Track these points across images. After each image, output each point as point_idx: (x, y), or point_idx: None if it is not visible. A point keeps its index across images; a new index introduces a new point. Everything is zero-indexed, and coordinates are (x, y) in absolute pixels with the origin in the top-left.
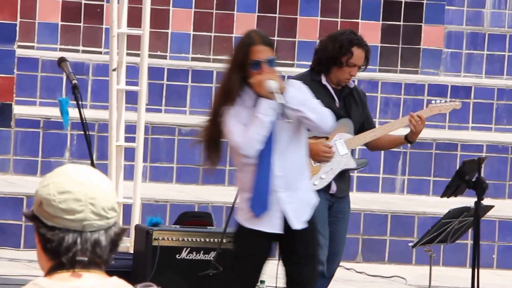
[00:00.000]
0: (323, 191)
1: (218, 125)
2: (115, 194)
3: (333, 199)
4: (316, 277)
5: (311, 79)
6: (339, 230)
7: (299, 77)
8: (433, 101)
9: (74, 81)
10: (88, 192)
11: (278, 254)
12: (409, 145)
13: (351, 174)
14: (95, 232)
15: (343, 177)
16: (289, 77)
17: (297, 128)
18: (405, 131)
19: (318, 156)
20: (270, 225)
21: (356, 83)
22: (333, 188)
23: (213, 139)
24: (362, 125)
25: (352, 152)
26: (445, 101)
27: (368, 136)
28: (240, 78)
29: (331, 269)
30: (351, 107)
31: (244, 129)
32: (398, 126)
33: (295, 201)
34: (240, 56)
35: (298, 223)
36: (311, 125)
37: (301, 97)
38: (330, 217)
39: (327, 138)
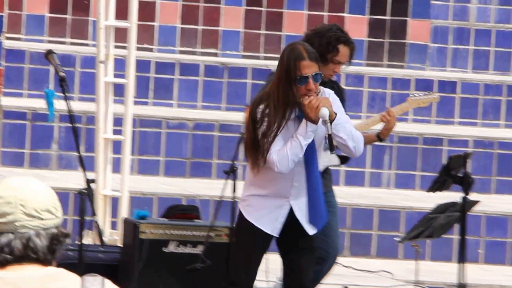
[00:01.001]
0: None
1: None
2: (55, 198)
3: None
4: (313, 269)
5: None
6: (332, 224)
7: None
8: (411, 95)
9: (62, 74)
10: (18, 195)
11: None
12: (395, 139)
13: (337, 168)
14: (28, 231)
15: (325, 173)
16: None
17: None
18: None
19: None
20: (271, 228)
21: (342, 77)
22: None
23: (255, 145)
24: None
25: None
26: (424, 94)
27: (368, 135)
28: (288, 91)
29: (329, 263)
30: None
31: (281, 143)
32: (372, 124)
33: (304, 207)
34: (287, 69)
35: (311, 229)
36: (345, 151)
37: (343, 123)
38: None
39: None
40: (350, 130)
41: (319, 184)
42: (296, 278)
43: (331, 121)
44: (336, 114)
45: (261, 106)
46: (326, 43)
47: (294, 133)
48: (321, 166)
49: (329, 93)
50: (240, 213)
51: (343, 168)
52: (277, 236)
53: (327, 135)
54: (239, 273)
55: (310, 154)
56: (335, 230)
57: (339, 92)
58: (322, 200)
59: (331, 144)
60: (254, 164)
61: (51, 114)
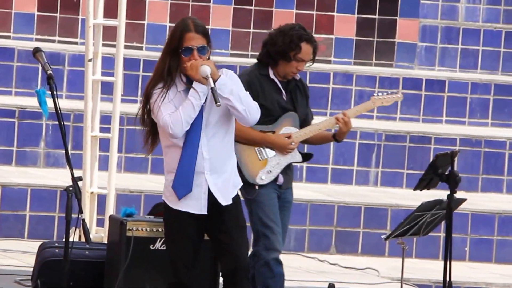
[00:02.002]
0: (272, 182)
1: (151, 106)
2: None
3: (281, 190)
4: (248, 247)
5: (259, 73)
6: (283, 219)
7: (248, 72)
8: (375, 94)
9: (49, 72)
10: None
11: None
12: (383, 137)
13: (325, 166)
14: None
15: (287, 169)
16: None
17: (227, 115)
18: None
19: (284, 150)
20: (196, 206)
21: (331, 75)
22: (280, 179)
23: (147, 121)
24: (306, 116)
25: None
26: (387, 93)
27: (313, 130)
28: (173, 62)
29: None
30: (297, 100)
31: (174, 110)
32: (327, 126)
33: (219, 183)
34: (174, 41)
35: (225, 200)
36: (237, 115)
37: (231, 86)
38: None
39: (273, 132)
40: (239, 94)
41: (195, 148)
42: (230, 259)
43: (215, 80)
44: (220, 75)
45: (152, 81)
46: (289, 41)
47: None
48: (285, 163)
49: (226, 71)
50: (165, 205)
51: (330, 166)
52: (205, 213)
53: (209, 89)
54: (179, 268)
55: (194, 122)
56: (284, 225)
57: (303, 90)
58: (193, 167)
59: (214, 96)
60: (153, 141)
61: (46, 111)
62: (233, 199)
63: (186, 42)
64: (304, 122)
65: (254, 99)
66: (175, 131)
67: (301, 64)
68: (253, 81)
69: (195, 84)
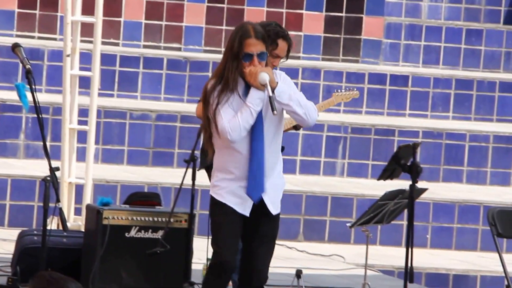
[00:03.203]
0: None
1: (210, 108)
2: None
3: None
4: (271, 258)
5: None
6: None
7: None
8: (336, 90)
9: (28, 66)
10: None
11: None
12: (349, 130)
13: (294, 158)
14: None
15: None
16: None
17: (280, 121)
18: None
19: None
20: (241, 206)
21: (300, 71)
22: None
23: (207, 124)
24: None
25: None
26: (345, 90)
27: (286, 123)
28: (233, 66)
29: None
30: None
31: (233, 115)
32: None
33: (270, 187)
34: (235, 46)
35: (275, 209)
36: (298, 119)
37: (289, 92)
38: None
39: None
40: (297, 98)
41: (262, 155)
42: (251, 266)
43: (273, 87)
44: (277, 82)
45: (212, 82)
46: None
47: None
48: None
49: (280, 73)
50: (212, 199)
51: (299, 157)
52: (247, 215)
53: (268, 97)
54: (224, 251)
55: (256, 126)
56: None
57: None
58: (262, 172)
59: (272, 105)
60: (210, 142)
61: (26, 104)
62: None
63: (246, 48)
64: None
65: None
66: (233, 137)
67: (276, 60)
68: None
69: (253, 91)
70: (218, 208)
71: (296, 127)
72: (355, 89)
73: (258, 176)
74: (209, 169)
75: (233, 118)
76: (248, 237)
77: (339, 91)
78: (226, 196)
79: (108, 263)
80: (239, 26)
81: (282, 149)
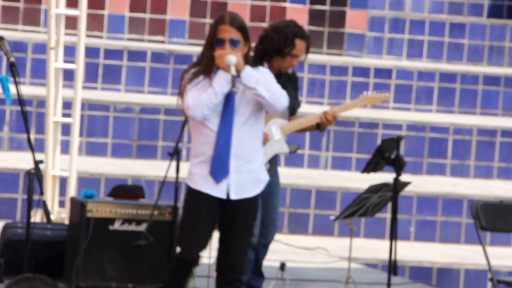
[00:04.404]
0: None
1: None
2: None
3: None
4: (248, 249)
5: (252, 66)
6: (272, 203)
7: None
8: (364, 92)
9: (12, 59)
10: None
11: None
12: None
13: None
14: None
15: (272, 159)
16: None
17: (257, 107)
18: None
19: None
20: (217, 189)
21: None
22: (266, 167)
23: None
24: (294, 106)
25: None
26: (376, 92)
27: (302, 123)
28: (209, 52)
29: (269, 237)
30: (288, 92)
31: (199, 94)
32: (311, 122)
33: (242, 172)
34: (210, 33)
35: (236, 194)
36: (264, 103)
37: (258, 76)
38: (264, 194)
39: None
40: (265, 82)
41: (229, 134)
42: (227, 259)
43: (240, 70)
44: (245, 65)
45: (192, 70)
46: (284, 38)
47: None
48: (272, 153)
49: (263, 68)
50: (187, 188)
51: None
52: (224, 197)
53: (231, 76)
54: (191, 247)
55: (227, 108)
56: (275, 207)
57: (294, 82)
58: (228, 152)
59: (233, 83)
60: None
61: (9, 97)
62: (251, 197)
63: (219, 33)
64: (293, 111)
65: None
66: (195, 113)
67: (294, 59)
68: None
69: (220, 72)
70: (192, 200)
71: (319, 126)
72: (385, 91)
73: (223, 155)
74: None
75: (198, 96)
76: (223, 228)
77: (368, 92)
78: (199, 181)
79: (92, 255)
80: (219, 15)
81: (297, 147)
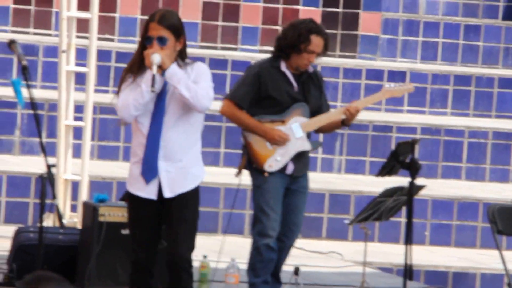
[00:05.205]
0: (280, 173)
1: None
2: None
3: (291, 179)
4: (192, 242)
5: (270, 66)
6: (296, 203)
7: (259, 64)
8: (386, 85)
9: (24, 62)
10: None
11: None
12: (346, 127)
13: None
14: None
15: (301, 157)
16: (234, 61)
17: (188, 108)
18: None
19: (274, 140)
20: (147, 191)
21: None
22: (289, 169)
23: None
24: (319, 108)
25: (309, 134)
26: (399, 85)
27: (323, 119)
28: (140, 51)
29: (292, 239)
30: (310, 91)
31: (128, 95)
32: (336, 115)
33: (171, 171)
34: (142, 31)
35: (170, 192)
36: (186, 102)
37: (181, 76)
38: (289, 194)
39: (283, 121)
40: (188, 83)
41: (158, 136)
42: (169, 251)
43: (164, 69)
44: (171, 66)
45: (125, 69)
46: (298, 34)
47: None
48: (293, 151)
49: (198, 65)
50: (126, 190)
51: None
52: (154, 198)
53: (152, 75)
54: (135, 249)
55: (157, 109)
56: (299, 210)
57: (317, 81)
58: (156, 153)
59: (152, 82)
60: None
61: (21, 100)
62: (186, 192)
63: (149, 31)
64: (318, 113)
65: (263, 90)
66: (123, 114)
67: (312, 56)
68: (262, 73)
69: (149, 72)
70: (130, 202)
71: (344, 123)
72: (410, 83)
73: (151, 157)
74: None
75: (126, 97)
76: (165, 223)
77: (390, 85)
78: (132, 182)
79: (104, 260)
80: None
81: (319, 144)
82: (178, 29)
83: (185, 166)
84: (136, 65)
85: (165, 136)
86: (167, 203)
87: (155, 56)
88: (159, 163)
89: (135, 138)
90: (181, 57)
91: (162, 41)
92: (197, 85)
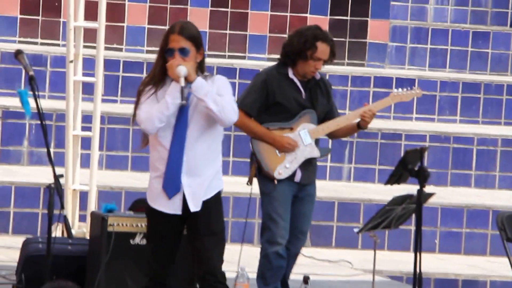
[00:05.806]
0: (288, 180)
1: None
2: None
3: (299, 186)
4: (221, 253)
5: (277, 72)
6: (304, 211)
7: (266, 71)
8: (394, 90)
9: (31, 73)
10: None
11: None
12: (355, 134)
13: None
14: None
15: (309, 165)
16: (242, 69)
17: (210, 121)
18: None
19: (283, 147)
20: (170, 206)
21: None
22: (298, 176)
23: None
24: (327, 114)
25: (317, 141)
26: (406, 89)
27: (331, 126)
28: (161, 62)
29: (298, 247)
30: (317, 98)
31: (152, 106)
32: (353, 118)
33: (193, 186)
34: (162, 43)
35: (195, 206)
36: (212, 116)
37: (208, 89)
38: (297, 201)
39: (291, 128)
40: (214, 96)
41: (181, 150)
42: (201, 265)
43: (190, 81)
44: (197, 78)
45: (145, 81)
46: (304, 41)
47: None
48: (302, 158)
49: (218, 77)
50: (146, 203)
51: None
52: (179, 213)
53: (180, 88)
54: (154, 265)
55: (180, 123)
56: (307, 217)
57: (325, 88)
58: (180, 168)
59: (181, 95)
60: (144, 137)
61: (28, 111)
62: (208, 203)
63: (169, 43)
64: (326, 119)
65: (270, 97)
66: (147, 126)
67: (318, 63)
68: (270, 80)
69: (174, 84)
70: (151, 217)
71: (361, 127)
72: (418, 88)
73: (174, 171)
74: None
75: (150, 109)
76: (191, 236)
77: (398, 90)
78: (154, 197)
79: (113, 270)
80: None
81: (328, 151)
82: (198, 40)
83: (206, 181)
84: (157, 77)
85: (188, 150)
86: (192, 216)
87: (182, 68)
88: (182, 178)
89: (154, 152)
90: (201, 69)
91: (184, 52)
92: (222, 98)
